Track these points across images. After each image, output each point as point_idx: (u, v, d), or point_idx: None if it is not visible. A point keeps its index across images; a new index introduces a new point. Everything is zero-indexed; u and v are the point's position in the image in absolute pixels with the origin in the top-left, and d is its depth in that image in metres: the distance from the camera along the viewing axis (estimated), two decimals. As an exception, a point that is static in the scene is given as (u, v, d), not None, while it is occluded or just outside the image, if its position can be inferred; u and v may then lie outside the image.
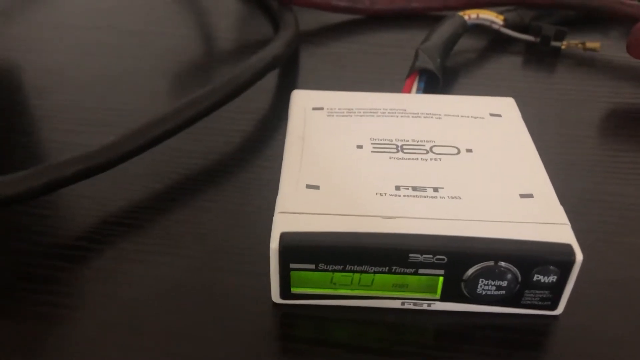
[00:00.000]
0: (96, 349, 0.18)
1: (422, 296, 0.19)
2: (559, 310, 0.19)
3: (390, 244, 0.18)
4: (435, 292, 0.19)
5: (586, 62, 0.33)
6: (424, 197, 0.19)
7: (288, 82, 0.32)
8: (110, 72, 0.32)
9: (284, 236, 0.18)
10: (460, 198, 0.19)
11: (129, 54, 0.34)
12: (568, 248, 0.18)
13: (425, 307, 0.19)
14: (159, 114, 0.23)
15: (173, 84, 0.31)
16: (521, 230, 0.18)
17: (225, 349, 0.18)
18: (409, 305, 0.19)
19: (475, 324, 0.19)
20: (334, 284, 0.19)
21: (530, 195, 0.19)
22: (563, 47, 0.34)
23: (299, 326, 0.19)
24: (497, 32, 0.34)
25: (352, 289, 0.19)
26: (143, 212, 0.23)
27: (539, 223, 0.18)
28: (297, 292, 0.19)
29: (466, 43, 0.34)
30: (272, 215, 0.19)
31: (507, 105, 0.24)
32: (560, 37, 0.33)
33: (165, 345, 0.18)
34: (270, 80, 0.31)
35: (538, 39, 0.34)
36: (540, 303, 0.19)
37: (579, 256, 0.18)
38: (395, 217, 0.18)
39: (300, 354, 0.18)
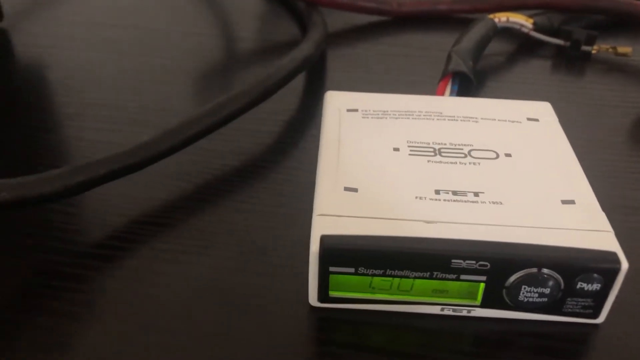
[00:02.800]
0: (127, 349, 0.18)
1: (462, 302, 0.19)
2: (600, 319, 0.19)
3: (433, 249, 0.17)
4: (475, 298, 0.18)
5: (617, 67, 0.33)
6: (465, 201, 0.19)
7: (315, 84, 0.31)
8: (135, 71, 0.32)
9: (324, 239, 0.18)
10: (501, 203, 0.19)
11: (154, 52, 0.34)
12: (613, 256, 0.17)
13: (464, 313, 0.19)
14: (193, 114, 0.23)
15: (198, 84, 0.31)
16: (565, 237, 0.18)
17: (260, 351, 0.18)
18: (448, 311, 0.19)
19: (515, 331, 0.19)
20: (373, 288, 0.18)
21: (572, 202, 0.19)
22: (594, 51, 0.33)
23: (336, 330, 0.19)
24: (526, 36, 0.34)
25: (390, 294, 0.19)
26: (176, 211, 0.23)
27: (582, 230, 0.18)
28: (335, 296, 0.19)
29: (495, 46, 0.34)
30: (306, 218, 0.19)
31: (544, 110, 0.24)
32: (590, 41, 0.33)
33: (198, 347, 0.18)
34: (297, 81, 0.31)
35: (568, 43, 0.33)
36: (582, 311, 0.18)
37: (625, 264, 0.17)
38: (436, 222, 0.18)
39: (337, 358, 0.18)
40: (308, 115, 0.29)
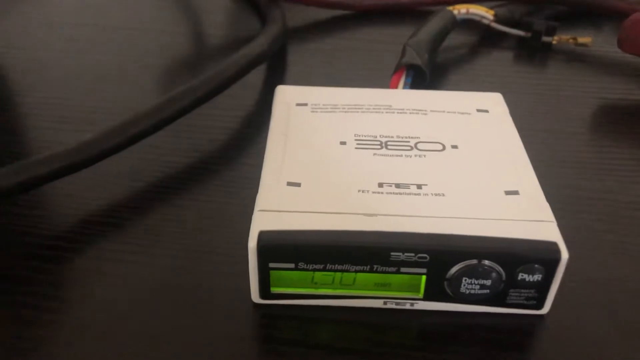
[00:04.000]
0: (75, 352, 0.18)
1: (404, 295, 0.18)
2: (544, 310, 0.19)
3: (371, 242, 0.17)
4: (418, 291, 0.18)
5: (577, 58, 0.33)
6: (407, 194, 0.19)
7: (275, 79, 0.31)
8: (96, 69, 0.31)
9: (262, 234, 0.17)
10: (444, 195, 0.19)
11: (116, 50, 0.33)
12: (553, 246, 0.17)
13: (408, 306, 0.19)
14: (140, 111, 0.23)
15: (161, 81, 0.31)
16: (506, 228, 0.18)
17: (204, 350, 0.18)
18: (391, 305, 0.19)
19: (460, 323, 0.19)
20: (315, 283, 0.18)
21: (516, 192, 0.19)
22: (554, 42, 0.33)
23: (279, 327, 0.18)
24: (487, 27, 0.33)
25: (333, 289, 0.18)
26: (124, 211, 0.22)
27: (524, 220, 0.18)
28: (277, 292, 0.18)
29: (456, 38, 0.34)
30: (254, 214, 0.18)
31: (495, 101, 0.23)
32: (551, 32, 0.33)
33: (145, 347, 0.18)
34: (257, 76, 0.31)
35: (529, 34, 0.33)
36: (525, 302, 0.18)
37: (565, 254, 0.17)
38: (377, 215, 0.18)
39: (281, 355, 0.18)
40: (265, 111, 0.28)
